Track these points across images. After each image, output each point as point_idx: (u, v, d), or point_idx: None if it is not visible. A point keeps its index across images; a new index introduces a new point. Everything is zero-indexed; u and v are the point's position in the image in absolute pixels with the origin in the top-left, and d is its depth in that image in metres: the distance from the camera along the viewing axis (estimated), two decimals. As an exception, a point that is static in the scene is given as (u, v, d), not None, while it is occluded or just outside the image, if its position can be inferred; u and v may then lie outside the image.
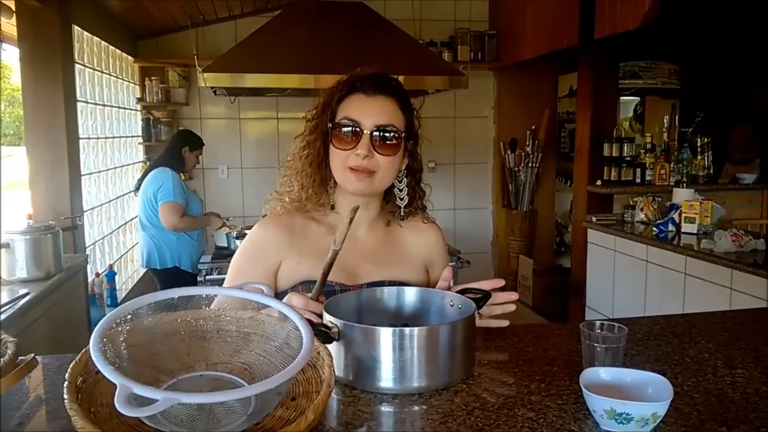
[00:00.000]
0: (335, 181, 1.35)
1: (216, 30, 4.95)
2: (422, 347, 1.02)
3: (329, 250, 1.16)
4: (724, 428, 0.91)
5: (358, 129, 1.28)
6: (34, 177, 3.13)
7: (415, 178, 1.41)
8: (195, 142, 3.94)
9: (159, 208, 3.64)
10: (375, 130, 1.28)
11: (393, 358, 1.01)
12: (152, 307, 0.95)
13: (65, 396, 0.78)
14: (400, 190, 1.39)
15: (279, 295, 1.26)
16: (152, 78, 4.85)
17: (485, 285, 1.24)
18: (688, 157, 4.32)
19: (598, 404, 0.90)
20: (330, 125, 1.31)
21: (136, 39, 4.90)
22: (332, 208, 1.37)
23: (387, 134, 1.28)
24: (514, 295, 1.29)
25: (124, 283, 4.41)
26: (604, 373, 0.99)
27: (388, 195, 1.43)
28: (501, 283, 1.26)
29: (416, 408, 0.99)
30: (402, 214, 1.42)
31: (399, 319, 1.22)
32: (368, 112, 1.29)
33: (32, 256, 2.57)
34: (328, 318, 1.06)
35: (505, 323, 1.30)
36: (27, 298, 2.33)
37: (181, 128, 4.73)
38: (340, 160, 1.30)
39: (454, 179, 5.65)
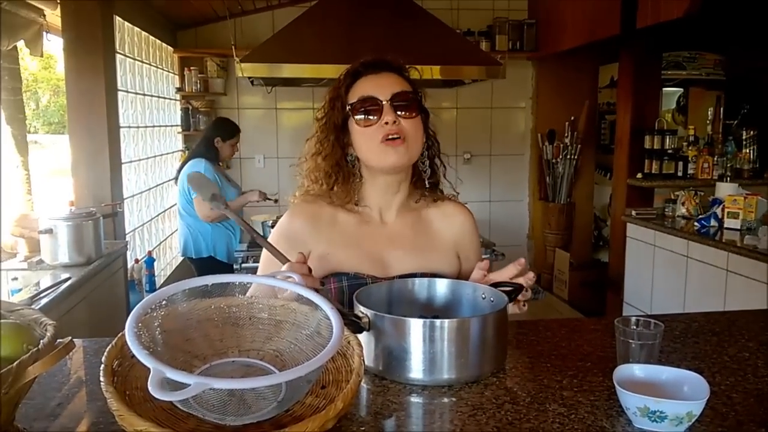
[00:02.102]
0: (361, 175, 1.37)
1: (254, 20, 4.98)
2: (453, 339, 1.02)
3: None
4: (763, 430, 0.89)
5: (377, 100, 1.30)
6: (77, 165, 3.20)
7: (434, 151, 1.42)
8: (227, 132, 3.88)
9: (194, 201, 3.69)
10: (393, 98, 1.30)
11: (423, 350, 1.01)
12: (186, 294, 0.97)
13: (101, 379, 0.80)
14: (423, 163, 1.41)
15: None
16: (191, 68, 4.92)
17: (507, 273, 1.22)
18: (733, 150, 4.20)
19: (631, 401, 0.88)
20: (349, 107, 1.33)
21: (175, 29, 4.97)
22: (356, 204, 1.37)
23: (405, 99, 1.32)
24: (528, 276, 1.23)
25: (163, 269, 4.50)
26: (638, 370, 0.97)
27: (414, 177, 1.42)
28: (522, 263, 1.23)
29: (446, 400, 0.99)
30: (427, 187, 1.42)
31: (430, 310, 1.22)
32: (381, 85, 1.32)
33: (74, 241, 2.63)
34: (359, 308, 1.07)
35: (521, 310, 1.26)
36: (68, 283, 2.40)
37: (215, 117, 4.77)
38: (368, 138, 1.31)
39: (490, 171, 5.60)
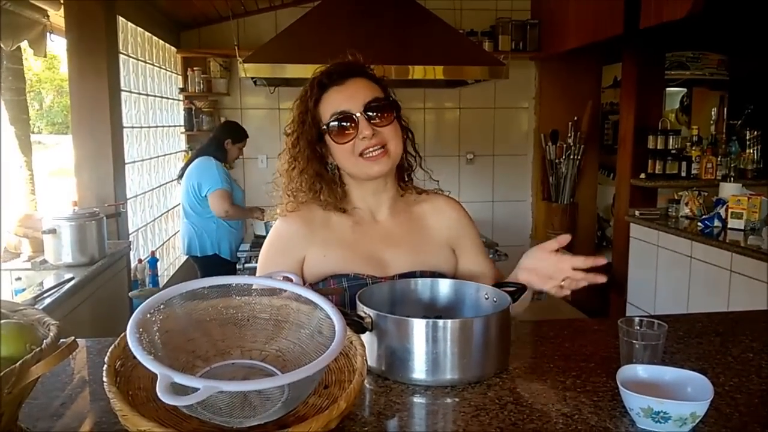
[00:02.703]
0: (343, 183, 1.35)
1: (256, 20, 4.99)
2: (455, 340, 1.01)
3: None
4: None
5: (350, 115, 1.27)
6: (80, 165, 3.21)
7: (410, 141, 1.40)
8: (238, 135, 4.00)
9: (209, 198, 3.72)
10: (366, 108, 1.27)
11: (426, 350, 1.01)
12: (185, 296, 0.96)
13: (104, 379, 0.80)
14: (402, 156, 1.38)
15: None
16: (194, 68, 4.92)
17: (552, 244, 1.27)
18: (737, 150, 4.19)
19: (634, 402, 0.88)
20: (324, 127, 1.30)
21: (178, 30, 4.97)
22: (344, 211, 1.36)
23: (378, 106, 1.28)
24: (600, 260, 1.25)
25: (166, 269, 4.51)
26: (641, 371, 0.97)
27: (400, 172, 1.41)
28: (568, 238, 1.28)
29: (448, 400, 0.99)
30: (407, 180, 1.42)
31: (432, 310, 1.22)
32: (350, 96, 1.28)
33: (77, 241, 2.64)
34: (361, 308, 1.07)
35: (566, 292, 1.26)
36: (72, 283, 2.40)
37: (224, 119, 4.80)
38: (347, 153, 1.29)
39: (493, 171, 5.59)
